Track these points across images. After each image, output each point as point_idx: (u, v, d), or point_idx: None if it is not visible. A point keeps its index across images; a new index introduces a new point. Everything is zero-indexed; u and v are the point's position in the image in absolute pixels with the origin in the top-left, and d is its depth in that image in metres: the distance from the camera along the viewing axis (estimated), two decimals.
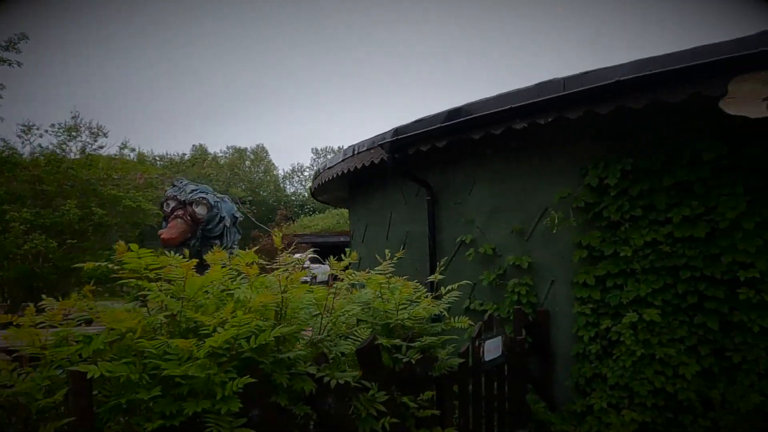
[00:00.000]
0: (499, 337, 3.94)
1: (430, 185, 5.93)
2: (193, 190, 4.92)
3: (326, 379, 2.38)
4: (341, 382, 2.39)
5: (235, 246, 5.37)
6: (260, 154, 39.18)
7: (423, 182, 5.94)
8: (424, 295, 3.34)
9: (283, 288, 2.37)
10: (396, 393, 2.95)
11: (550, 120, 4.20)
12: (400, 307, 3.04)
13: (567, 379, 4.54)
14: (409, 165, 5.84)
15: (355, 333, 2.86)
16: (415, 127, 5.38)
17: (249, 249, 2.64)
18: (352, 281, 2.61)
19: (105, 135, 14.22)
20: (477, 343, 3.68)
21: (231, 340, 2.11)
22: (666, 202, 4.11)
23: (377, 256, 3.54)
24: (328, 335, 2.59)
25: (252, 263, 2.40)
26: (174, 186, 5.11)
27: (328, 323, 2.51)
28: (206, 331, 2.05)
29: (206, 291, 2.39)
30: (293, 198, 37.30)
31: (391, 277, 3.27)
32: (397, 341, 2.93)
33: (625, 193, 4.26)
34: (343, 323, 2.88)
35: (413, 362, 2.97)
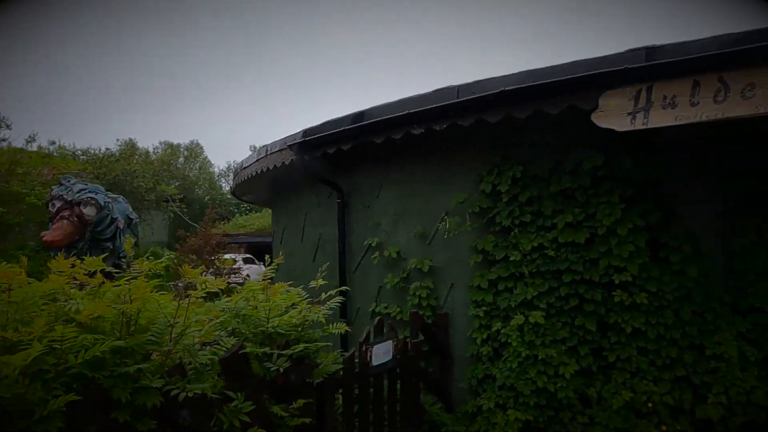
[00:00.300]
0: (390, 341, 3.95)
1: (341, 188, 5.91)
2: (81, 190, 4.63)
3: (174, 392, 2.28)
4: (190, 395, 2.30)
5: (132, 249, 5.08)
6: (195, 151, 37.90)
7: (334, 185, 5.91)
8: (305, 301, 3.29)
9: (130, 297, 2.25)
10: (270, 402, 2.90)
11: (444, 126, 4.27)
12: (272, 314, 2.98)
13: (463, 381, 4.65)
14: (320, 167, 5.79)
15: (222, 341, 2.77)
16: (323, 128, 5.34)
17: (177, 248, 2.51)
18: (205, 290, 2.52)
19: (8, 127, 13.16)
20: (364, 348, 3.68)
21: (60, 354, 1.98)
22: (552, 208, 4.29)
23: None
24: (185, 346, 2.49)
25: (95, 272, 2.27)
26: (61, 185, 4.79)
27: (182, 333, 2.41)
28: (26, 347, 1.91)
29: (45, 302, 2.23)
30: (229, 196, 36.32)
31: (271, 283, 3.20)
32: (267, 349, 2.87)
33: (515, 199, 4.41)
34: (213, 332, 2.78)
35: (288, 370, 2.93)
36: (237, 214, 31.98)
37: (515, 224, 4.39)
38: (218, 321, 2.77)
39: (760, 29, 3.06)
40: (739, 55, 3.08)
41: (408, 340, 4.37)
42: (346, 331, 3.20)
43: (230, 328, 3.03)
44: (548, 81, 3.67)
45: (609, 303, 4.09)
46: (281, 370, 2.84)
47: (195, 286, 2.46)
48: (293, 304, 3.18)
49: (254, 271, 21.13)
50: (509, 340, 4.19)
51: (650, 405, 3.87)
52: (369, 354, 3.71)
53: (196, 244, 16.36)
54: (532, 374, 4.05)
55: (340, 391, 3.48)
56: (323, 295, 3.38)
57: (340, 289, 3.41)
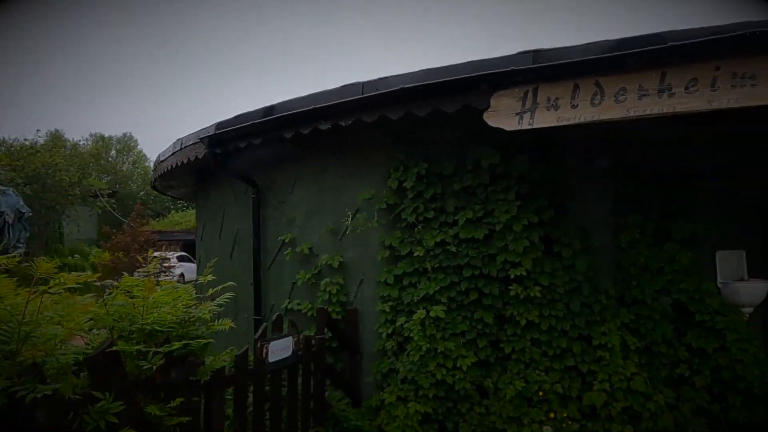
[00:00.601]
0: (290, 338, 3.92)
1: (257, 183, 5.80)
2: None
3: (22, 392, 2.16)
4: (39, 395, 2.18)
5: (21, 244, 4.81)
6: (128, 144, 36.16)
7: (249, 180, 5.80)
8: (190, 297, 3.20)
9: None
10: (147, 402, 2.80)
11: (350, 122, 4.28)
12: (150, 311, 2.88)
13: (371, 376, 4.68)
14: (234, 161, 5.66)
15: (92, 339, 2.66)
16: (236, 122, 5.22)
17: (102, 246, 2.31)
18: (60, 285, 2.40)
19: None
20: (259, 344, 3.63)
21: None
22: (455, 205, 4.39)
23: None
24: (44, 344, 2.37)
25: None
26: None
27: (29, 332, 2.28)
28: None
29: None
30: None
31: (155, 280, 3.09)
32: (142, 347, 2.77)
33: (420, 196, 4.48)
34: (79, 330, 2.66)
35: (167, 368, 2.84)
36: (173, 211, 30.83)
37: (419, 220, 4.46)
38: (89, 318, 2.65)
39: (632, 37, 3.26)
40: (612, 61, 3.26)
41: (313, 336, 4.36)
42: (230, 327, 3.13)
43: (108, 326, 2.91)
44: (445, 80, 3.75)
45: (506, 297, 4.24)
46: (155, 368, 2.75)
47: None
48: (176, 301, 3.08)
49: (189, 269, 20.44)
50: (411, 335, 4.26)
51: (541, 393, 4.05)
52: (265, 350, 3.67)
53: (122, 241, 15.65)
54: (432, 367, 4.13)
55: (232, 389, 3.42)
56: (210, 291, 3.30)
57: (226, 285, 3.34)
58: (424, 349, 4.17)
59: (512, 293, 4.17)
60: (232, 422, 3.44)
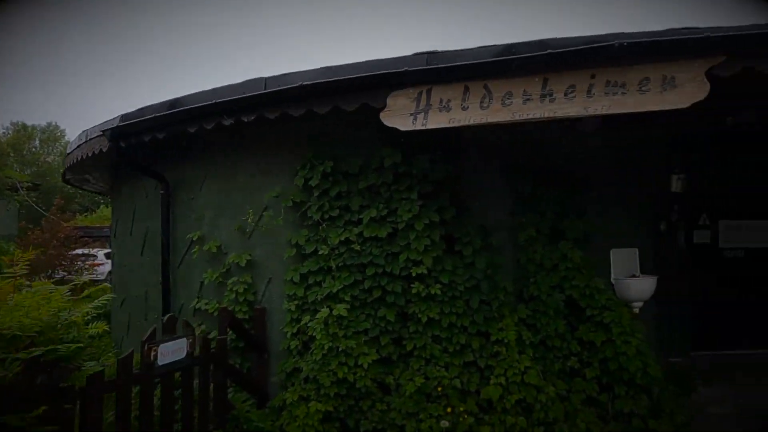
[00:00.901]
0: (183, 339, 3.80)
1: (164, 178, 5.59)
2: None
3: None
4: None
5: None
6: (54, 134, 33.98)
7: (157, 175, 5.58)
8: (63, 300, 3.04)
9: None
10: (11, 411, 2.63)
11: (253, 118, 4.19)
12: (8, 315, 2.71)
13: (276, 375, 4.63)
14: (143, 156, 5.43)
15: None
16: (139, 114, 5.00)
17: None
18: None
19: None
20: (147, 347, 3.49)
21: None
22: (360, 203, 4.40)
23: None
24: None
25: None
26: None
27: None
28: None
29: None
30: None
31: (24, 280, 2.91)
32: None
33: (326, 194, 4.46)
34: None
35: (30, 374, 2.68)
36: (103, 206, 29.32)
37: (325, 219, 4.45)
38: None
39: (517, 43, 3.36)
40: (499, 66, 3.36)
41: (213, 337, 4.26)
42: (105, 331, 3.00)
43: None
44: (344, 78, 3.74)
45: (408, 294, 4.30)
46: (10, 375, 2.58)
47: None
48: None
49: None
50: (315, 334, 4.24)
51: (440, 389, 4.13)
52: (153, 353, 3.53)
53: (40, 237, 14.67)
54: (334, 366, 4.12)
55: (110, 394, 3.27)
56: (86, 292, 3.15)
57: (101, 286, 3.19)
58: (326, 347, 4.15)
59: (414, 291, 4.23)
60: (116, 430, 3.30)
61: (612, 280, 4.96)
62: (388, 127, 3.72)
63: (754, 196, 6.94)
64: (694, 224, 6.96)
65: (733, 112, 4.29)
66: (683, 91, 3.07)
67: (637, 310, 4.99)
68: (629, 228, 5.13)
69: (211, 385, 4.13)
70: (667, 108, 3.09)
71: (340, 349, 4.14)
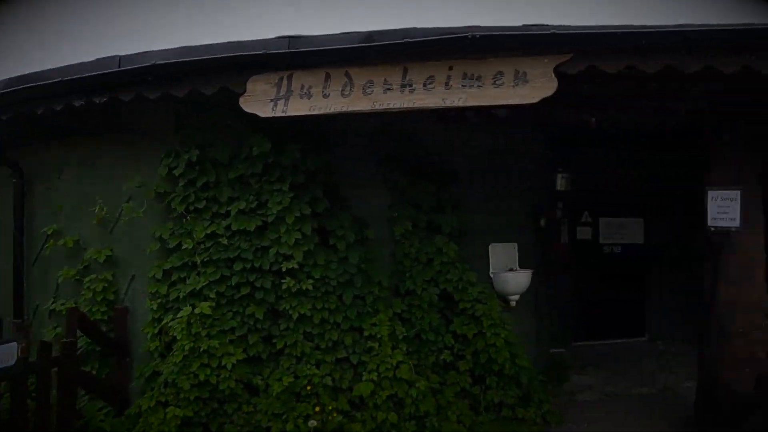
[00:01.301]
0: (13, 344, 3.40)
1: (20, 166, 5.03)
2: None
3: None
4: None
5: None
6: None
7: (9, 162, 5.00)
8: None
9: None
10: None
11: (104, 100, 3.83)
12: None
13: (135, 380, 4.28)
14: None
15: None
16: None
17: None
18: None
19: None
20: None
21: None
22: (229, 195, 4.17)
23: None
24: None
25: None
26: None
27: None
28: None
29: None
30: None
31: None
32: None
33: (192, 184, 4.18)
34: None
35: None
36: None
37: (190, 210, 4.16)
38: None
39: (379, 31, 3.29)
40: (360, 53, 3.27)
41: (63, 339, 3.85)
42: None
43: None
44: (203, 59, 3.50)
45: (279, 290, 4.11)
46: None
47: None
48: None
49: None
50: (176, 334, 3.95)
51: (309, 388, 3.99)
52: None
53: None
54: (195, 368, 3.85)
55: None
56: None
57: None
58: (187, 348, 3.88)
59: (285, 287, 4.05)
60: None
61: (490, 273, 5.07)
62: (261, 115, 3.52)
63: (631, 194, 7.46)
64: (578, 221, 7.35)
65: (595, 113, 4.49)
66: (534, 86, 3.13)
67: (514, 303, 5.13)
68: (511, 223, 5.25)
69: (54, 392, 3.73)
70: (519, 102, 3.15)
71: (202, 350, 3.87)
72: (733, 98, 3.81)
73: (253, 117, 3.52)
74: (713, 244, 4.10)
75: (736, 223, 3.99)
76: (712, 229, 4.08)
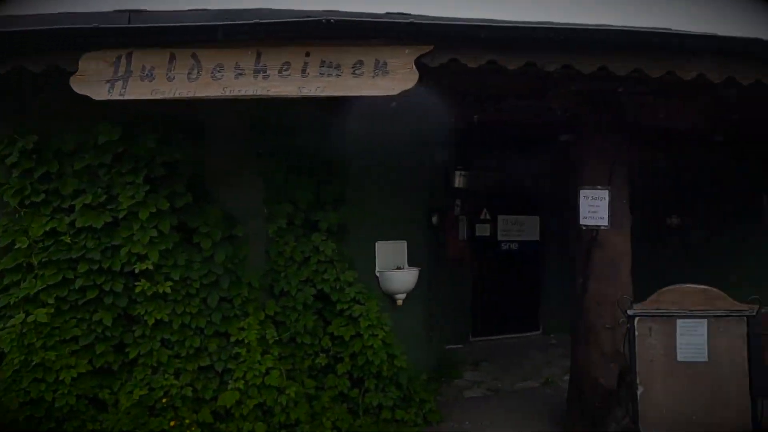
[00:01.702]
0: None
1: None
2: None
3: None
4: None
5: None
6: None
7: None
8: None
9: None
10: None
11: None
12: None
13: None
14: None
15: None
16: None
17: None
18: None
19: None
20: None
21: None
22: (74, 188, 3.71)
23: None
24: None
25: None
26: None
27: None
28: None
29: None
30: None
31: None
32: None
33: (29, 174, 3.68)
34: None
35: None
36: None
37: (25, 205, 3.66)
38: None
39: (231, 9, 3.01)
40: (208, 32, 2.96)
41: None
42: None
43: None
44: (27, 30, 3.03)
45: (132, 294, 3.72)
46: None
47: None
48: None
49: None
50: (3, 346, 3.45)
51: (165, 400, 3.64)
52: None
53: None
54: (26, 384, 3.39)
55: None
56: None
57: None
58: (17, 362, 3.40)
59: (138, 290, 3.66)
60: None
61: (377, 272, 4.93)
62: (95, 98, 3.11)
63: (528, 192, 7.64)
64: (477, 218, 7.42)
65: (479, 110, 4.45)
66: (395, 77, 2.97)
67: (400, 302, 5.03)
68: (402, 220, 5.14)
69: None
70: (378, 94, 2.98)
71: (34, 363, 3.41)
72: (601, 99, 3.88)
73: (106, 102, 3.10)
74: (584, 242, 4.18)
75: (605, 222, 4.08)
76: (584, 227, 4.16)
